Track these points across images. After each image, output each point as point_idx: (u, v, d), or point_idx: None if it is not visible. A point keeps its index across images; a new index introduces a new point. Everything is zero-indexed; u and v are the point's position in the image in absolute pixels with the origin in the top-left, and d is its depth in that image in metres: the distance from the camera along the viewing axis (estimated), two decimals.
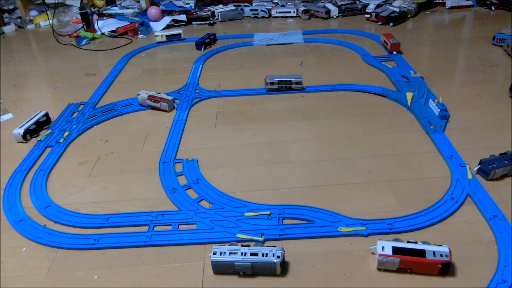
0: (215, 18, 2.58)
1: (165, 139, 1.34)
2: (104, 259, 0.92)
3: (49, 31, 2.55)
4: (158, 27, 2.50)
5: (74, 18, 2.66)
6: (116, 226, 1.00)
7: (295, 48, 2.07)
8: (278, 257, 0.83)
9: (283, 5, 2.60)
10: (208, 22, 2.54)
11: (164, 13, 2.61)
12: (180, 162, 1.22)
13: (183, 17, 2.55)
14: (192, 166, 1.20)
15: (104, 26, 2.47)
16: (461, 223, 0.95)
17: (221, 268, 0.85)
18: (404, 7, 2.40)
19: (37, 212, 1.06)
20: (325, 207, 1.01)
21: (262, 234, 0.94)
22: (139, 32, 2.41)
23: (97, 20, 2.51)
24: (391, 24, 2.29)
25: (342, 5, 2.53)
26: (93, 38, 2.39)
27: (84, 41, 2.31)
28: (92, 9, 2.66)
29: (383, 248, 0.83)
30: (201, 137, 1.36)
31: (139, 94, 1.55)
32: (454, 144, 1.21)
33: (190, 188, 1.11)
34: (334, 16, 2.49)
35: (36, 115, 1.44)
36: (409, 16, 2.41)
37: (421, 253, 0.81)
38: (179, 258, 0.91)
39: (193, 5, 2.67)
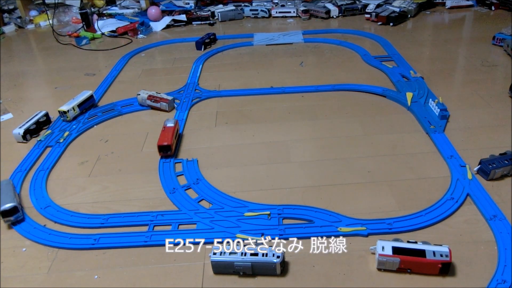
0: (215, 18, 2.58)
1: None
2: (104, 259, 0.92)
3: (49, 31, 2.55)
4: (158, 27, 2.50)
5: (74, 18, 2.66)
6: (116, 226, 1.00)
7: (295, 48, 2.07)
8: (278, 257, 0.83)
9: (283, 5, 2.59)
10: (208, 22, 2.54)
11: (164, 13, 2.61)
12: (180, 162, 1.22)
13: (183, 17, 2.55)
14: (192, 166, 1.20)
15: (104, 26, 2.47)
16: (461, 223, 0.95)
17: (221, 268, 0.85)
18: (404, 7, 2.40)
19: (37, 212, 1.06)
20: (325, 207, 1.01)
21: (262, 234, 0.94)
22: (139, 32, 2.41)
23: (97, 20, 2.51)
24: (391, 24, 2.29)
25: (342, 5, 2.52)
26: (93, 38, 2.39)
27: (84, 41, 2.31)
28: (92, 9, 2.65)
29: (383, 248, 0.83)
30: (201, 137, 1.36)
31: (139, 94, 1.55)
32: (454, 144, 1.21)
33: (190, 188, 1.11)
34: (334, 16, 2.49)
35: (36, 115, 1.44)
36: (409, 16, 2.41)
37: (421, 253, 0.81)
38: (179, 258, 0.91)
39: (193, 5, 2.67)
